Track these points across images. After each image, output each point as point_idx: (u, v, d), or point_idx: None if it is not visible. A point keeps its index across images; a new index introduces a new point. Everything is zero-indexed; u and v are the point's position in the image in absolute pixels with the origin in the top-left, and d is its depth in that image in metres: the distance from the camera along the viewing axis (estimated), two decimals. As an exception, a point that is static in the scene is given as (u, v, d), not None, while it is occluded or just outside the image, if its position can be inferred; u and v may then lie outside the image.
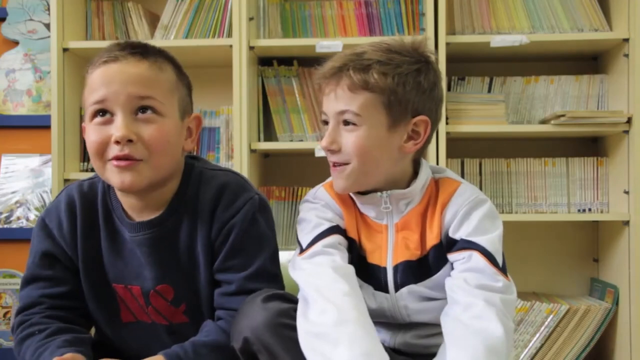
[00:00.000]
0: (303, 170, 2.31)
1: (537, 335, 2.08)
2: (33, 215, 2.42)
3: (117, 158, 1.11)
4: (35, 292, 1.21)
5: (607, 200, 2.17)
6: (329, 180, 1.27)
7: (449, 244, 1.17)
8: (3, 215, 2.43)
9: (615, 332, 2.11)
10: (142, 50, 1.15)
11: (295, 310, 1.10)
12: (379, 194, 1.18)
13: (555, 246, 2.34)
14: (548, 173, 2.18)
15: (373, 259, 1.20)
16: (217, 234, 1.19)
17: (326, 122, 1.19)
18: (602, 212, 2.16)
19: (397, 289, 1.19)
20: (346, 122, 1.15)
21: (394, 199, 1.18)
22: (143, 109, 1.12)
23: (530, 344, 2.08)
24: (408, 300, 1.19)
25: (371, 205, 1.20)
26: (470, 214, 1.15)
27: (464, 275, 1.12)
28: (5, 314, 2.40)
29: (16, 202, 2.44)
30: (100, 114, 1.12)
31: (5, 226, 2.42)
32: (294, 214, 2.23)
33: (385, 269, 1.19)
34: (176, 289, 1.21)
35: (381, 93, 1.12)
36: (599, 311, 2.09)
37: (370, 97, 1.12)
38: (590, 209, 2.17)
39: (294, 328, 1.07)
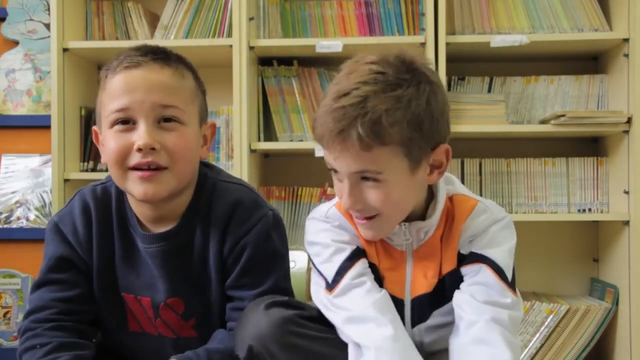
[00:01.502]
0: (303, 170, 2.31)
1: (537, 335, 2.08)
2: (33, 215, 2.42)
3: (140, 167, 1.09)
4: (46, 295, 1.18)
5: (607, 200, 2.16)
6: (337, 200, 1.18)
7: (460, 260, 1.13)
8: (3, 215, 2.43)
9: (615, 332, 2.11)
10: (164, 57, 1.13)
11: (299, 316, 1.08)
12: (397, 226, 1.13)
13: (555, 246, 2.34)
14: (548, 173, 2.18)
15: (391, 289, 1.14)
16: (229, 251, 1.17)
17: (336, 171, 1.08)
18: (602, 212, 2.16)
19: (413, 324, 1.14)
20: (365, 178, 1.05)
21: (414, 229, 1.13)
22: (166, 117, 1.11)
23: (530, 344, 2.08)
24: (424, 336, 1.14)
25: (390, 236, 1.16)
26: (488, 232, 1.12)
27: (471, 290, 1.09)
28: (5, 314, 2.40)
29: (16, 202, 2.44)
30: (122, 121, 1.10)
31: (5, 226, 2.42)
32: (294, 214, 2.23)
33: (403, 302, 1.15)
34: (187, 303, 1.20)
35: (398, 144, 1.02)
36: (599, 311, 2.09)
37: (387, 150, 1.02)
38: (590, 209, 2.16)
39: (298, 335, 1.06)
